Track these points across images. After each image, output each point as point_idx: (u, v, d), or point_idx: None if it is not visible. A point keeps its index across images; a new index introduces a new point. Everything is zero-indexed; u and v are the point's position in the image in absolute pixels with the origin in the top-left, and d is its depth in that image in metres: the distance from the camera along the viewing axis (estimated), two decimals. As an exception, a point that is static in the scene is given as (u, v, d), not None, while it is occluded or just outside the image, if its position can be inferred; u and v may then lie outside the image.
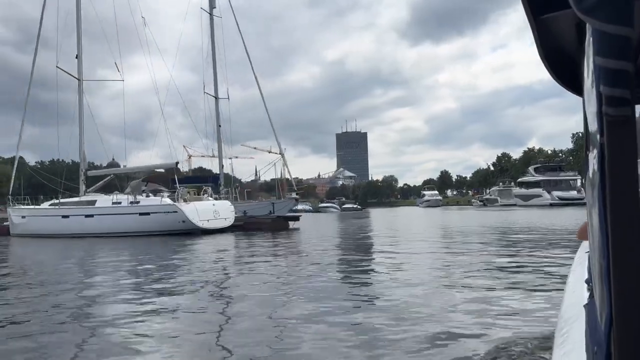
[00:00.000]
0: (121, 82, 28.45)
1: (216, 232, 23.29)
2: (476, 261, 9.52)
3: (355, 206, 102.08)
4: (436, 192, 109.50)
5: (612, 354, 0.68)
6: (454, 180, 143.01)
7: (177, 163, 26.32)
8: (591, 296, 1.10)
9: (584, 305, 1.16)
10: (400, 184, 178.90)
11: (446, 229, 22.65)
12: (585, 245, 1.95)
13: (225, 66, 43.05)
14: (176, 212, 22.79)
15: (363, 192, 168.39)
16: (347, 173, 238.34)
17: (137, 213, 23.21)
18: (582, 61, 0.95)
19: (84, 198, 25.83)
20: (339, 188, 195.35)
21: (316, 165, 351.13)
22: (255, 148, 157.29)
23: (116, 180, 28.84)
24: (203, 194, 26.96)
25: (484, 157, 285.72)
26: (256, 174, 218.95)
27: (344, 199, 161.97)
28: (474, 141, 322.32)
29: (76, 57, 27.56)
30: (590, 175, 0.86)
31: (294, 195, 32.46)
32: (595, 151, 0.77)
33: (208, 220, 23.49)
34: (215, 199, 32.58)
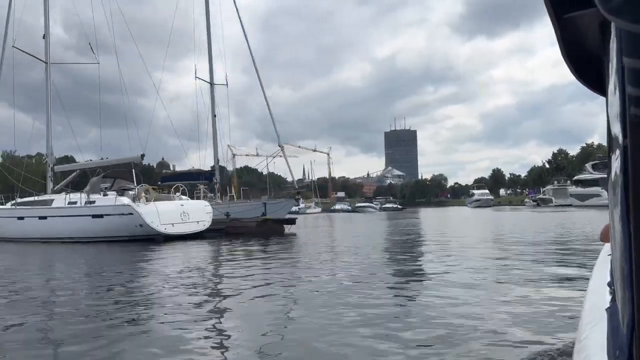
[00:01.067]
0: (96, 65, 24.90)
1: (186, 238, 19.09)
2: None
3: (395, 206, 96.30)
4: (487, 191, 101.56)
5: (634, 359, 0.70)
6: (506, 178, 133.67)
7: (142, 155, 22.24)
8: (613, 299, 1.11)
9: (606, 309, 1.17)
10: (451, 182, 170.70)
11: (494, 232, 18.67)
12: (607, 247, 1.68)
13: (223, 51, 39.06)
14: (132, 214, 18.70)
15: (410, 192, 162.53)
16: (396, 172, 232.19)
17: (90, 215, 19.37)
18: (605, 61, 0.93)
19: (40, 197, 22.31)
20: (386, 187, 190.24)
21: (365, 164, 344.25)
22: (299, 147, 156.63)
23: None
24: (175, 193, 22.71)
25: (540, 155, 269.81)
26: (304, 174, 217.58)
27: (390, 198, 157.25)
28: (530, 138, 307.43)
29: (43, 37, 24.22)
30: (613, 177, 0.85)
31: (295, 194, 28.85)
32: (617, 153, 0.76)
33: (173, 224, 19.22)
34: (211, 198, 28.69)
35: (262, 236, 19.26)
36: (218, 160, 31.75)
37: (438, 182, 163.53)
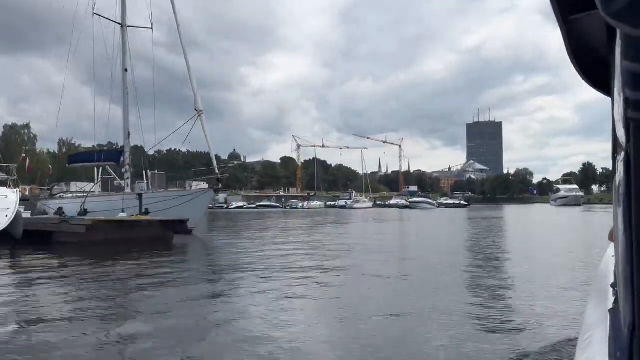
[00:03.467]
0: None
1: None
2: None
3: (459, 202, 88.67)
4: (575, 186, 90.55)
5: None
6: (598, 173, 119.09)
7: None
8: (616, 301, 1.11)
9: (609, 310, 1.16)
10: (539, 178, 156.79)
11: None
12: (613, 247, 1.75)
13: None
14: None
15: (491, 187, 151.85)
16: (478, 166, 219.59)
17: None
18: (612, 63, 0.96)
19: None
20: (465, 182, 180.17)
21: (448, 158, 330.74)
22: (368, 138, 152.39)
23: None
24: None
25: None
26: (379, 166, 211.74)
27: (470, 193, 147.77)
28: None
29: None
30: (617, 178, 0.86)
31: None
32: (622, 154, 0.78)
33: None
34: (118, 186, 22.70)
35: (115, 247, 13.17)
36: (129, 134, 22.52)
37: (522, 177, 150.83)
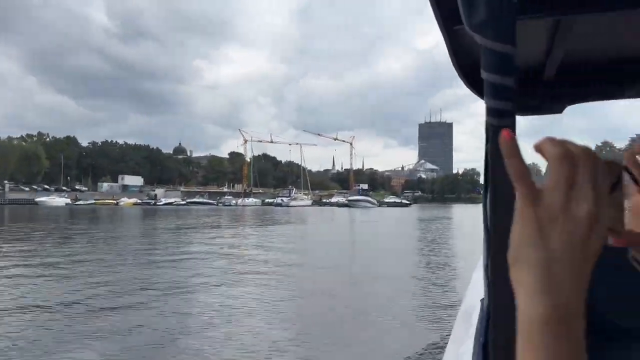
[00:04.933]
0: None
1: None
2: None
3: (400, 201, 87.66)
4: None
5: (488, 343, 0.79)
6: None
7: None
8: None
9: (481, 300, 1.23)
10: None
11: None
12: None
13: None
14: None
15: (441, 186, 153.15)
16: (429, 166, 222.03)
17: None
18: None
19: None
20: (415, 181, 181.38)
21: (401, 157, 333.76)
22: (319, 135, 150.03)
23: None
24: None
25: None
26: (333, 164, 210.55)
27: (419, 192, 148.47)
28: (572, 135, 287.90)
29: None
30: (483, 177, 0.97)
31: None
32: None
33: None
34: None
35: None
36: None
37: (470, 177, 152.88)
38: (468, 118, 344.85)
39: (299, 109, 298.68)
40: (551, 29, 1.39)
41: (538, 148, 0.44)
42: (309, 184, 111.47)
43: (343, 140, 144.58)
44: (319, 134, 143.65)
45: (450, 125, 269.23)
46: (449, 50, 1.18)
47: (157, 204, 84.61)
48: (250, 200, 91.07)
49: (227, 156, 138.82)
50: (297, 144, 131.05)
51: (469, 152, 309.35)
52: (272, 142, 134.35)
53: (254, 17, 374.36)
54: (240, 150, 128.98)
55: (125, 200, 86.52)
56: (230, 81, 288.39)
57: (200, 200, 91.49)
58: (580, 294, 0.43)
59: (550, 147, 0.43)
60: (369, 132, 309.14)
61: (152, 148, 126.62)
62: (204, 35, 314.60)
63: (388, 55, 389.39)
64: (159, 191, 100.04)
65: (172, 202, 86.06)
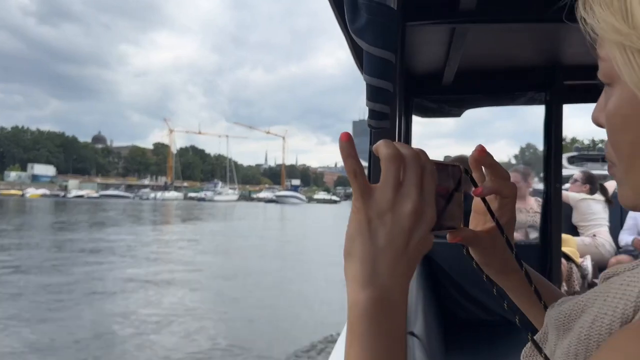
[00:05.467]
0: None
1: None
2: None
3: (330, 198, 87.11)
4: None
5: None
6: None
7: None
8: None
9: None
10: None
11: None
12: None
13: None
14: None
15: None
16: (362, 163, 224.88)
17: None
18: None
19: None
20: (346, 178, 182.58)
21: (335, 154, 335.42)
22: (250, 127, 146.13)
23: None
24: None
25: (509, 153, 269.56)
26: (266, 159, 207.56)
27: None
28: (501, 137, 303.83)
29: None
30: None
31: None
32: None
33: None
34: None
35: None
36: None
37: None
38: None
39: (232, 100, 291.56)
40: (447, 37, 1.47)
41: (375, 150, 0.46)
42: (236, 178, 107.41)
43: (276, 135, 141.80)
44: (251, 127, 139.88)
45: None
46: (351, 52, 1.24)
47: (67, 196, 78.60)
48: (171, 194, 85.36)
49: (152, 147, 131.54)
50: (226, 136, 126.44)
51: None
52: (200, 133, 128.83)
53: (185, 2, 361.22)
54: (166, 140, 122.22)
55: (31, 192, 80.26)
56: (158, 68, 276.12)
57: (115, 193, 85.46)
58: (401, 287, 0.45)
59: (383, 149, 0.45)
60: (302, 128, 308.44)
61: (68, 136, 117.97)
62: (131, 19, 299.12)
63: (323, 50, 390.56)
64: (73, 182, 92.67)
65: (83, 195, 79.71)
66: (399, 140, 1.55)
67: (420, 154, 0.47)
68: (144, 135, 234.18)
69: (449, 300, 2.60)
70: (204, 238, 20.33)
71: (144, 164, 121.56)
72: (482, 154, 0.58)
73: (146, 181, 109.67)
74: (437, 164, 0.51)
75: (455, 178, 0.55)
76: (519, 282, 0.62)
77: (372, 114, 0.84)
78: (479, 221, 0.62)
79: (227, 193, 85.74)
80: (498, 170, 0.59)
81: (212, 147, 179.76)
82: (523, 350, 0.53)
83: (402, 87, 1.66)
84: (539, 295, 0.59)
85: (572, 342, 0.42)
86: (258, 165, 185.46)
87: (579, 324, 0.42)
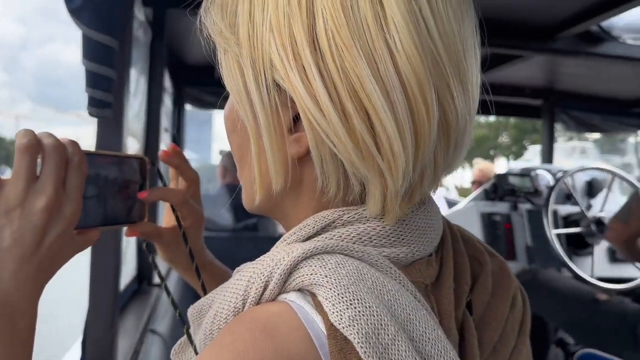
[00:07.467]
0: None
1: None
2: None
3: None
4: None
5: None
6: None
7: None
8: None
9: None
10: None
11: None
12: None
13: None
14: None
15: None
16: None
17: None
18: None
19: None
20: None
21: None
22: (59, 110, 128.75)
23: None
24: None
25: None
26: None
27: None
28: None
29: None
30: None
31: None
32: None
33: None
34: None
35: None
36: None
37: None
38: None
39: (39, 79, 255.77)
40: None
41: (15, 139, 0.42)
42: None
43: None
44: (58, 109, 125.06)
45: (209, 114, 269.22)
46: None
47: None
48: None
49: None
50: (26, 117, 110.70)
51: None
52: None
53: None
54: None
55: None
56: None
57: None
58: (27, 291, 0.41)
59: (18, 138, 0.41)
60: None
61: None
62: None
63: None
64: None
65: None
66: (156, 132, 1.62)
67: (69, 145, 0.44)
68: None
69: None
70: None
71: None
72: (168, 155, 0.56)
73: None
74: (118, 156, 0.50)
75: (142, 171, 0.54)
76: (209, 279, 0.61)
77: (92, 101, 0.78)
78: (170, 217, 0.60)
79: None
80: (184, 171, 0.57)
81: (9, 130, 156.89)
82: (176, 344, 0.50)
83: (162, 76, 1.66)
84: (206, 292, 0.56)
85: (201, 337, 0.41)
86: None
87: (206, 319, 0.41)
